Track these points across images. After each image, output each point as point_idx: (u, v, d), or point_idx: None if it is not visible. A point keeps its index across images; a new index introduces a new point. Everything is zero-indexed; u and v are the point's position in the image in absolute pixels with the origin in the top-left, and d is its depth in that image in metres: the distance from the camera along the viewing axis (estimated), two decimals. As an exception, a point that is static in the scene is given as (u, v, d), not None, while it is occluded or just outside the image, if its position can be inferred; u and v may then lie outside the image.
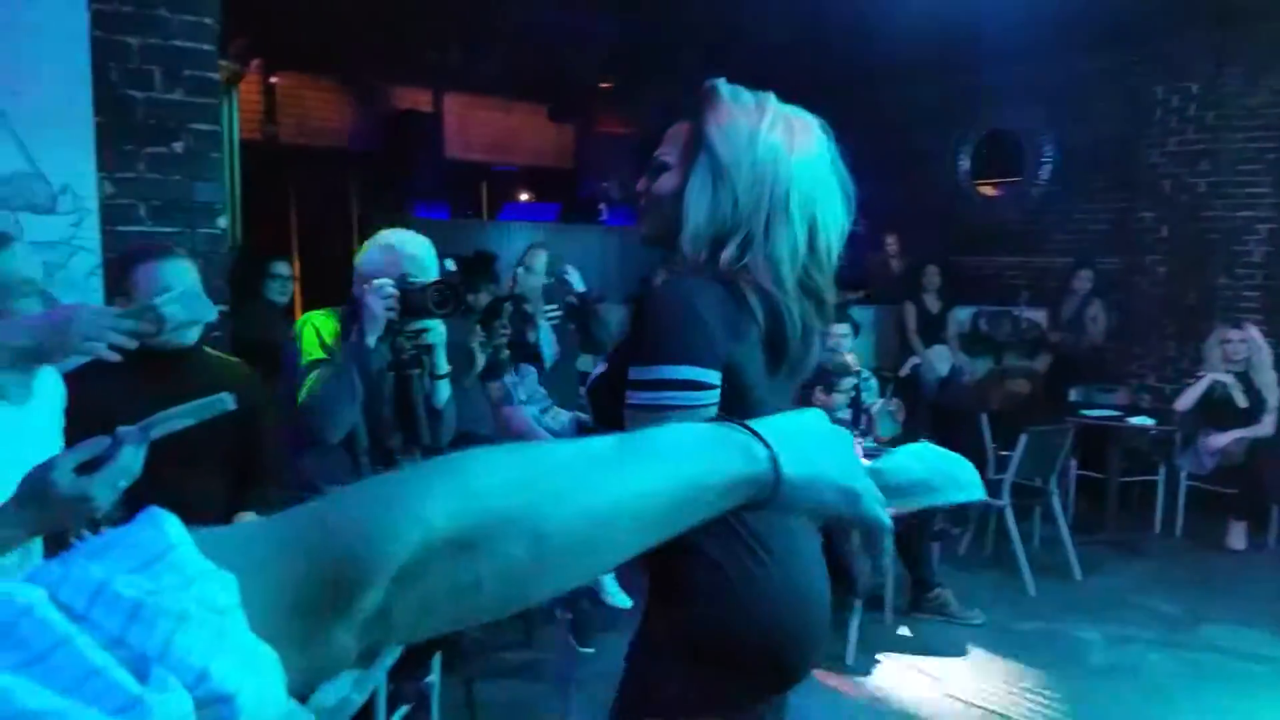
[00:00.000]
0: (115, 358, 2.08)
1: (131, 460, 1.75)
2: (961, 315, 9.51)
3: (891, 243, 10.08)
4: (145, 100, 4.42)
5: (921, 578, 5.53)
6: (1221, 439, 7.03)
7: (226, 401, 1.85)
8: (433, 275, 3.28)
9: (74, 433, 2.29)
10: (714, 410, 1.74)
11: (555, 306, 4.73)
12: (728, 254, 1.82)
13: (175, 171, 4.50)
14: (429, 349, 3.22)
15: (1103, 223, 9.51)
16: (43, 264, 2.55)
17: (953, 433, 7.22)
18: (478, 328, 5.03)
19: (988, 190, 10.47)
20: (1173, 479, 7.34)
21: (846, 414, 5.64)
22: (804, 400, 4.36)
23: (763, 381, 1.84)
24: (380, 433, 3.24)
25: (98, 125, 4.29)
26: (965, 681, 4.73)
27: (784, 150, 1.82)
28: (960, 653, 5.06)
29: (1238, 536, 6.86)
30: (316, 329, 3.20)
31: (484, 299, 5.90)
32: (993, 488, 5.92)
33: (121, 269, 2.95)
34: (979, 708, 4.47)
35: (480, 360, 4.73)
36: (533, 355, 5.09)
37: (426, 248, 3.34)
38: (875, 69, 9.54)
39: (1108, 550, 6.78)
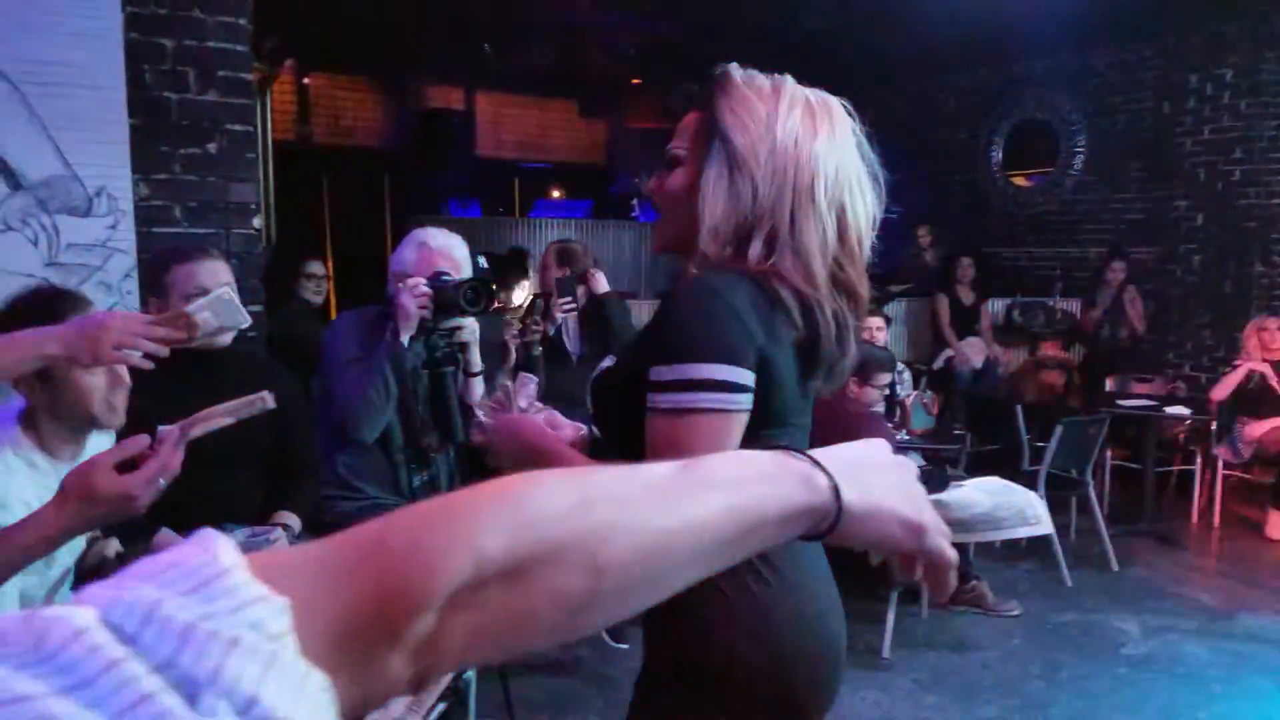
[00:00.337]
0: (148, 365, 2.09)
1: (171, 458, 1.76)
2: (995, 307, 9.46)
3: (924, 234, 10.04)
4: (180, 102, 4.46)
5: (957, 569, 5.49)
6: (1259, 428, 6.95)
7: (267, 400, 1.86)
8: (466, 273, 3.30)
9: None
10: (747, 416, 1.58)
11: (569, 300, 4.74)
12: (755, 251, 1.64)
13: (210, 172, 4.53)
14: (463, 347, 3.24)
15: (1137, 212, 9.44)
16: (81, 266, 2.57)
17: (988, 424, 7.20)
18: (515, 323, 5.04)
19: (1020, 181, 10.41)
20: (1210, 469, 7.29)
21: (880, 407, 5.62)
22: (840, 392, 4.34)
23: (792, 389, 1.67)
24: (415, 431, 3.26)
25: (133, 127, 4.32)
26: (1002, 674, 4.72)
27: (806, 134, 1.65)
28: (997, 645, 5.04)
29: (1276, 526, 6.79)
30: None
31: (518, 296, 5.90)
32: (1028, 479, 5.88)
33: (156, 271, 2.97)
34: (1016, 699, 4.46)
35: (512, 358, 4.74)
36: (562, 353, 5.09)
37: (459, 245, 3.36)
38: (907, 61, 9.51)
39: (1144, 540, 6.73)
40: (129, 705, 0.40)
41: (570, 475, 0.72)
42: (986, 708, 4.39)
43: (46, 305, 2.20)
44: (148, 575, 0.47)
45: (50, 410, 2.19)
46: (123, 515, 1.78)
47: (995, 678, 4.67)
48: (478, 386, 3.32)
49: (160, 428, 1.79)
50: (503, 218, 12.24)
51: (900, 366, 6.09)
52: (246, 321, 2.45)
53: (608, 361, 1.88)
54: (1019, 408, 6.89)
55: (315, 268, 6.83)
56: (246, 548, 0.54)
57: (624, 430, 1.67)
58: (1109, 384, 8.37)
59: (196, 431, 1.81)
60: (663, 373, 1.57)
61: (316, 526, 3.01)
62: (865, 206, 1.71)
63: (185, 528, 2.83)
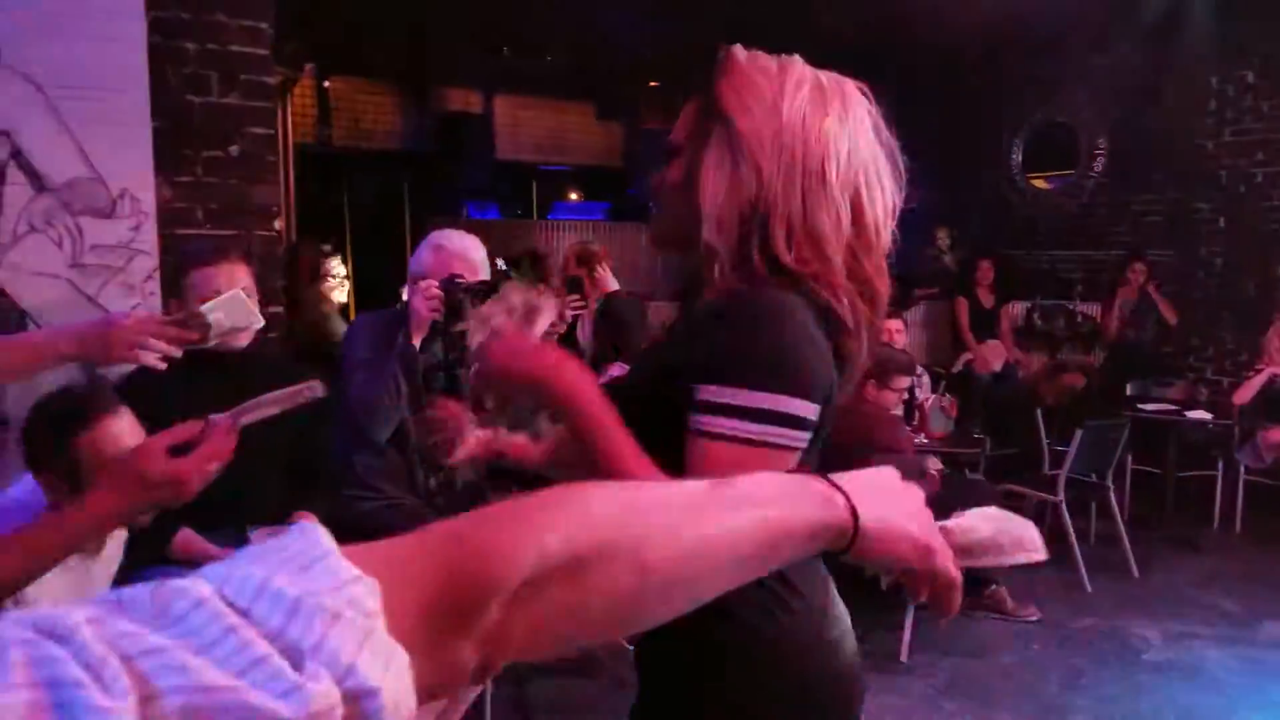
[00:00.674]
0: (161, 366, 2.10)
1: (224, 444, 1.75)
2: (1015, 310, 9.42)
3: (943, 237, 10.01)
4: (202, 105, 4.48)
5: (976, 574, 5.48)
6: (1281, 433, 6.91)
7: (316, 389, 1.86)
8: (483, 275, 3.32)
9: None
10: (803, 453, 1.47)
11: (578, 297, 4.79)
12: (778, 245, 1.49)
13: (232, 175, 4.56)
14: (475, 348, 3.24)
15: (1158, 214, 9.38)
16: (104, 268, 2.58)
17: (1007, 428, 7.17)
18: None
19: (1040, 183, 10.36)
20: (1231, 474, 7.23)
21: (898, 410, 5.60)
22: (857, 395, 4.32)
23: (833, 403, 1.55)
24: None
25: (155, 130, 4.34)
26: (1020, 679, 4.70)
27: (815, 112, 1.51)
28: (1016, 650, 5.02)
29: (1298, 532, 6.75)
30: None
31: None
32: (1048, 483, 5.86)
33: (177, 273, 2.99)
34: (1034, 705, 4.44)
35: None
36: (576, 351, 5.12)
37: (476, 247, 3.37)
38: (927, 61, 9.47)
39: (1165, 546, 6.69)
40: (249, 664, 0.46)
41: (621, 486, 0.84)
42: (1004, 713, 4.38)
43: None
44: (255, 557, 0.52)
45: None
46: (172, 502, 1.76)
47: (1014, 683, 4.65)
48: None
49: (212, 415, 1.77)
50: (521, 220, 12.27)
51: (919, 369, 6.07)
52: (260, 322, 2.45)
53: (616, 369, 1.81)
54: (1039, 411, 6.87)
55: (336, 269, 6.87)
56: None
57: (641, 442, 1.49)
58: (1129, 388, 8.34)
59: (247, 419, 1.80)
60: (727, 394, 1.43)
61: (335, 525, 3.02)
62: (883, 193, 1.56)
63: (207, 528, 2.84)
